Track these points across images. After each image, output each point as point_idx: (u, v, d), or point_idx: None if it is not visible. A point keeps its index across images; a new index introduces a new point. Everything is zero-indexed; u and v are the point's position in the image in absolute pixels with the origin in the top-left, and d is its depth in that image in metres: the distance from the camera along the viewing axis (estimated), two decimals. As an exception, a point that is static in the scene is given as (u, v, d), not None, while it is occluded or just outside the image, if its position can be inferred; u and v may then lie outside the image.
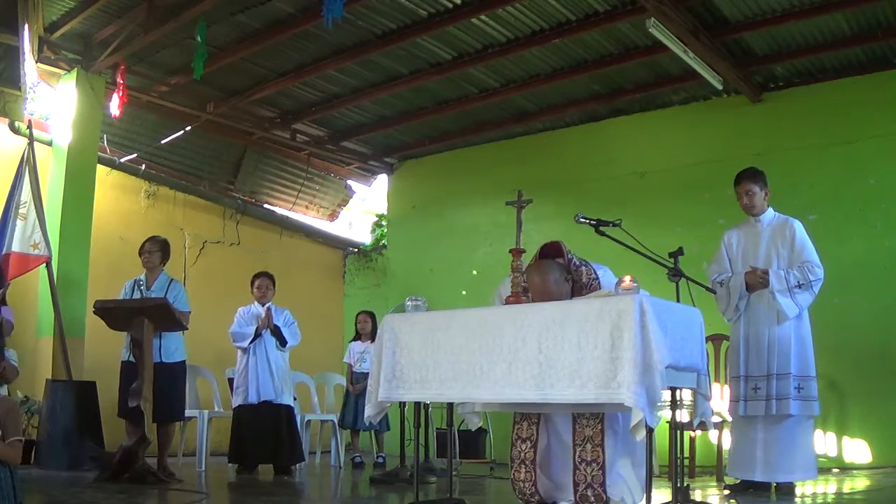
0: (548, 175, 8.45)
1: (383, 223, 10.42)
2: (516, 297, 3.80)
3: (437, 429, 6.87)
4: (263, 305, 6.51)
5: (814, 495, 4.88)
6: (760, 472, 4.69)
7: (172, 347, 5.59)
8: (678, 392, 3.59)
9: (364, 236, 10.82)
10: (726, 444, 5.73)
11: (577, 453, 3.65)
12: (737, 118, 7.60)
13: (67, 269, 6.87)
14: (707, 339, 4.21)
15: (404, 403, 4.61)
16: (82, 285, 6.97)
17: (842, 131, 7.01)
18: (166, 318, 5.22)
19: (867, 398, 6.48)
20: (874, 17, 6.33)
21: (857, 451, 6.53)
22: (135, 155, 8.28)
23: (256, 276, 6.65)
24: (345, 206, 10.61)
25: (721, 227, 5.47)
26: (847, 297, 6.53)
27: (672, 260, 4.04)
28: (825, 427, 6.52)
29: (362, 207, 11.59)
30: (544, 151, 8.71)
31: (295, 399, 6.80)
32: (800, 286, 4.69)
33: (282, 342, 6.41)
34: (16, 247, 6.47)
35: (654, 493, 3.54)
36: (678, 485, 3.59)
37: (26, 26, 6.52)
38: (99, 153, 7.54)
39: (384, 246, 10.10)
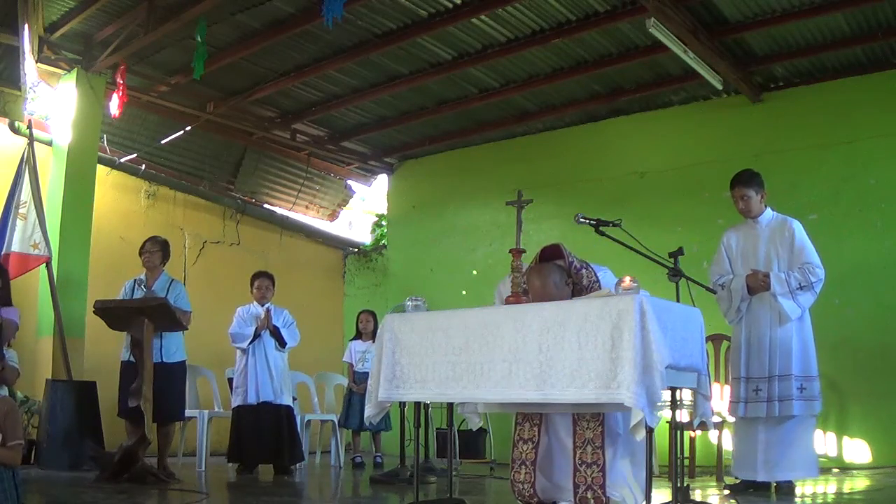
0: (548, 175, 8.44)
1: (383, 223, 10.42)
2: (516, 298, 3.80)
3: (437, 429, 6.88)
4: (263, 305, 6.50)
5: (814, 495, 4.88)
6: (762, 472, 4.69)
7: (173, 347, 5.59)
8: (678, 392, 3.59)
9: (364, 236, 10.82)
10: (726, 444, 5.73)
11: (578, 455, 3.64)
12: (737, 118, 7.59)
13: (67, 269, 6.87)
14: (707, 339, 4.22)
15: (404, 403, 4.59)
16: (82, 285, 6.97)
17: (842, 131, 7.01)
18: (166, 318, 5.22)
19: (867, 398, 6.48)
20: (874, 17, 6.33)
21: (857, 451, 6.53)
22: (135, 155, 8.27)
23: (256, 276, 6.64)
24: (345, 206, 10.60)
25: (721, 226, 5.47)
26: (847, 296, 6.54)
27: (672, 260, 4.04)
28: (825, 427, 6.52)
29: (362, 207, 11.59)
30: (544, 151, 8.71)
31: (294, 399, 6.80)
32: (801, 288, 4.69)
33: (281, 343, 6.41)
34: (16, 247, 6.48)
35: (654, 492, 3.54)
36: (678, 485, 3.59)
37: (26, 26, 6.52)
38: (99, 153, 7.54)
39: (384, 246, 10.10)
